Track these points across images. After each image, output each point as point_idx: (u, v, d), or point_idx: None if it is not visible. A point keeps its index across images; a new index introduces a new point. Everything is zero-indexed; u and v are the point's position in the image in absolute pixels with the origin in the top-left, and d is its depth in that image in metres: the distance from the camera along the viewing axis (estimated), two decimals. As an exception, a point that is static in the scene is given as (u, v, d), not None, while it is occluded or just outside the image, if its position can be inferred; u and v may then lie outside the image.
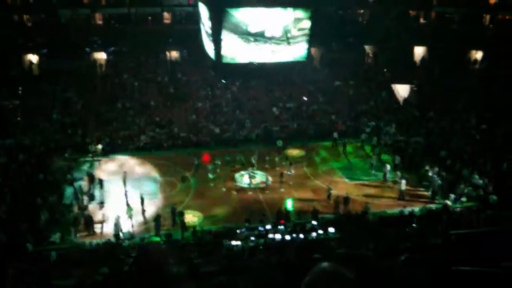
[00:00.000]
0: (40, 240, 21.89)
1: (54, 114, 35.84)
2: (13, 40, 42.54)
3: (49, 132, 33.89)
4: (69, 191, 26.91)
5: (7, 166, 28.16)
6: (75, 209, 24.99)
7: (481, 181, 26.75)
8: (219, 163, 30.31)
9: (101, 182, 27.21)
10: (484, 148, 30.66)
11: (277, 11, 34.58)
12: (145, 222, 24.40)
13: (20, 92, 37.93)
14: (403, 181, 27.24)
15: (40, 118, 35.24)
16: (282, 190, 28.12)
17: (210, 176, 29.22)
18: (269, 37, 34.89)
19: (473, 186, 26.67)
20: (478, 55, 44.20)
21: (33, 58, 41.85)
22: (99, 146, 32.79)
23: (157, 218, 23.23)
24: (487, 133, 32.66)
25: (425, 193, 27.78)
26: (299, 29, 35.65)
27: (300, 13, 35.19)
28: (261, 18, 34.15)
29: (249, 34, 34.15)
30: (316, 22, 36.35)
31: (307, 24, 35.60)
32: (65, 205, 25.49)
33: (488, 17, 46.54)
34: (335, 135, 35.16)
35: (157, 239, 22.35)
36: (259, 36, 34.43)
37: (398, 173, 28.89)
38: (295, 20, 35.22)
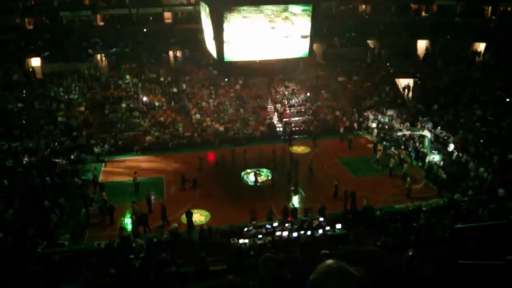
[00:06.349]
0: (49, 242, 21.95)
1: (58, 117, 35.96)
2: (15, 43, 42.72)
3: (54, 135, 34.00)
4: (76, 193, 26.98)
5: (13, 169, 28.25)
6: (83, 211, 25.03)
7: (487, 174, 26.67)
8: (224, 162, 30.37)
9: (102, 185, 27.29)
10: (490, 141, 30.57)
11: (279, 7, 34.53)
12: (152, 222, 24.41)
13: (24, 95, 38.05)
14: (409, 179, 27.40)
15: (45, 120, 35.38)
16: (288, 187, 28.13)
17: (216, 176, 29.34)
18: (271, 33, 34.84)
19: (480, 179, 26.59)
20: (481, 47, 44.02)
21: (36, 61, 41.94)
22: (105, 147, 32.86)
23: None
24: (492, 125, 32.53)
25: (432, 187, 27.75)
26: (301, 25, 35.55)
27: (301, 9, 35.15)
28: (263, 14, 34.14)
29: (251, 31, 34.12)
30: (317, 17, 36.25)
31: (308, 19, 35.56)
32: (73, 207, 25.57)
33: (489, 8, 46.35)
34: (342, 130, 35.42)
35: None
36: (261, 33, 34.38)
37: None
38: (296, 15, 35.13)
